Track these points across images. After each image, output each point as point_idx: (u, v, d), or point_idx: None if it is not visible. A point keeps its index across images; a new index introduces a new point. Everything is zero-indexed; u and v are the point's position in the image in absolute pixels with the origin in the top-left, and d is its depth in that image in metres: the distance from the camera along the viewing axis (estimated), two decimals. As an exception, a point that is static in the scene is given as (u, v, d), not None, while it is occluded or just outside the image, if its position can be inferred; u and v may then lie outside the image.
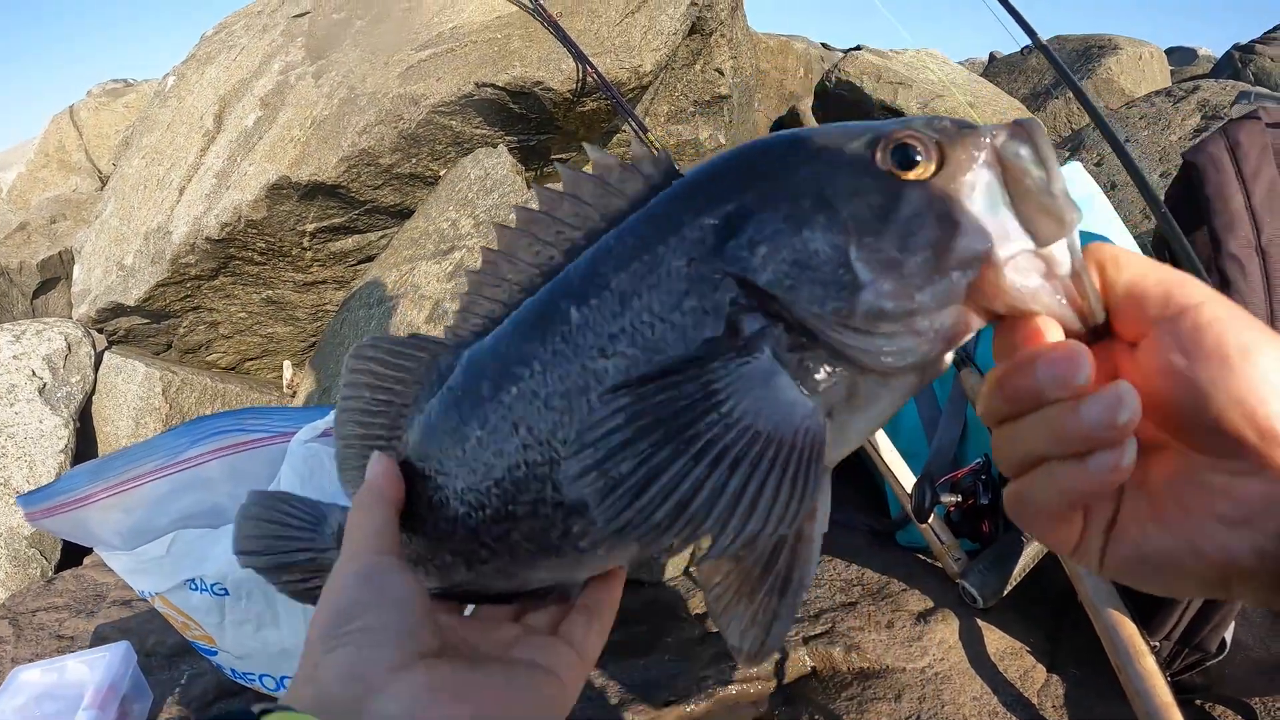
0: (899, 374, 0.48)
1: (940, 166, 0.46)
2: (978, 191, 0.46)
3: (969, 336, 0.48)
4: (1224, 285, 1.33)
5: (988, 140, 0.46)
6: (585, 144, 0.59)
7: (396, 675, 0.49)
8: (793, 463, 0.45)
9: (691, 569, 1.81)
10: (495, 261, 0.59)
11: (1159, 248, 1.45)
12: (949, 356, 0.49)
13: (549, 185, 0.58)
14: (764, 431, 0.45)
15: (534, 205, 0.58)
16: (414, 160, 2.68)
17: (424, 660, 0.51)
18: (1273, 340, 0.43)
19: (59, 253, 4.27)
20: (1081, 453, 0.44)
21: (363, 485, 0.61)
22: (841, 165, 0.48)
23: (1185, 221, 1.39)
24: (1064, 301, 0.46)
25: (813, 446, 0.45)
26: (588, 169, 0.57)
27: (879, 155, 0.47)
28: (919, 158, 0.46)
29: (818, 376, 0.48)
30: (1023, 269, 0.45)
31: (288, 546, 0.70)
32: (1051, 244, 0.45)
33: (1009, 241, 0.45)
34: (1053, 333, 0.45)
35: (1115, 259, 0.47)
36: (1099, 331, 0.47)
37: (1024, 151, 0.45)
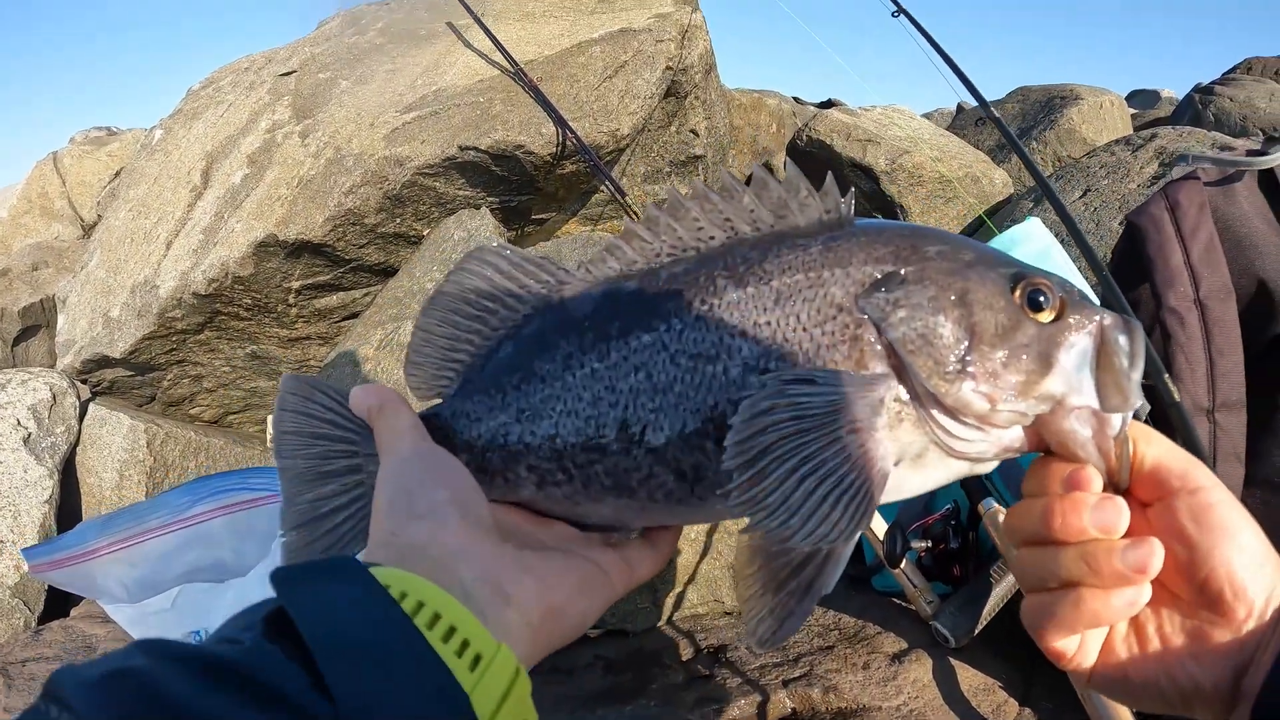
0: (957, 458, 0.58)
1: (1057, 319, 0.57)
2: (1076, 350, 0.57)
3: (1018, 454, 0.59)
4: (1165, 338, 1.42)
5: (1099, 318, 0.58)
6: (788, 160, 0.66)
7: (468, 545, 0.54)
8: (863, 491, 0.54)
9: (680, 618, 1.86)
10: (654, 219, 0.65)
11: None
12: (994, 464, 0.60)
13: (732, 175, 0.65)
14: (855, 458, 0.54)
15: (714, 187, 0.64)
16: (398, 220, 2.75)
17: (489, 535, 0.57)
18: (1251, 522, 0.56)
19: (40, 300, 4.28)
20: (1109, 585, 0.55)
21: (374, 394, 0.65)
22: (987, 283, 0.58)
23: (1130, 277, 1.48)
24: (1101, 459, 0.56)
25: (879, 483, 0.55)
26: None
27: (1017, 291, 0.58)
28: (1044, 304, 0.57)
29: (905, 430, 0.57)
30: (1083, 420, 0.56)
31: (329, 450, 0.70)
32: (1112, 413, 0.56)
33: (1081, 395, 0.56)
34: (1097, 483, 0.56)
35: (1148, 436, 0.59)
36: (1118, 491, 0.58)
37: (1122, 340, 0.57)
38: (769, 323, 0.59)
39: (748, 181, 0.64)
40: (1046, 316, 0.57)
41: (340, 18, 3.76)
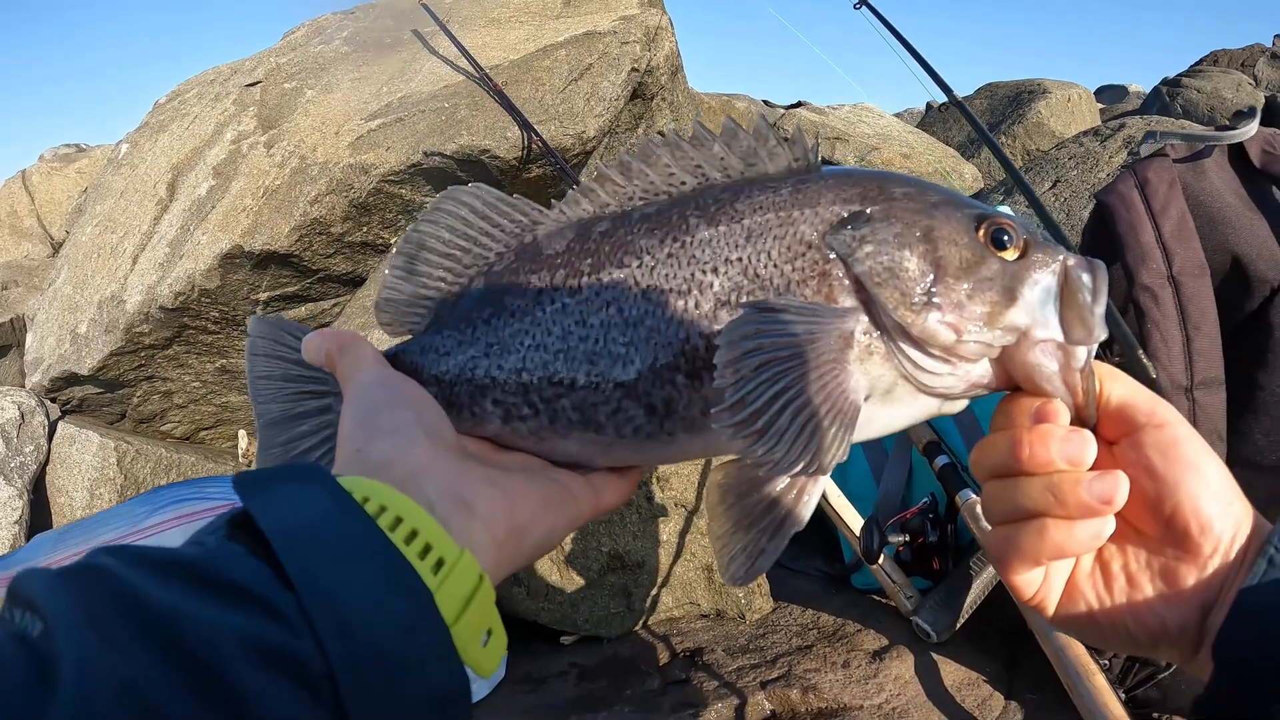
0: (927, 393, 0.59)
1: (1021, 256, 0.59)
2: (1040, 286, 0.58)
3: (985, 391, 0.60)
4: (1139, 316, 1.39)
5: (1062, 257, 0.59)
6: (761, 115, 0.67)
7: (433, 461, 0.55)
8: (838, 422, 0.55)
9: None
10: (626, 164, 0.66)
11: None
12: (962, 404, 0.61)
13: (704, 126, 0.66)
14: (829, 388, 0.55)
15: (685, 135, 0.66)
16: (365, 229, 2.71)
17: (453, 452, 0.57)
18: (1215, 459, 0.56)
19: (10, 319, 4.22)
20: (1074, 516, 0.55)
21: (330, 337, 0.65)
22: (952, 221, 0.60)
23: (1101, 256, 1.46)
24: (1068, 393, 0.57)
25: (852, 416, 0.56)
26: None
27: (981, 230, 0.59)
28: (1007, 242, 0.59)
29: (874, 363, 0.58)
30: (1048, 353, 0.57)
31: (300, 390, 0.72)
32: (1076, 346, 0.57)
33: (1046, 328, 0.57)
34: (1064, 416, 0.57)
35: (1114, 375, 0.59)
36: (1084, 426, 0.58)
37: (1085, 277, 0.58)
38: (740, 259, 0.61)
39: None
40: (1011, 254, 0.59)
41: (306, 28, 3.73)
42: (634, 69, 2.70)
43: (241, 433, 3.30)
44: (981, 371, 0.59)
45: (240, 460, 3.18)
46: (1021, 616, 1.51)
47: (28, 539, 2.72)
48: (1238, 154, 1.52)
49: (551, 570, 1.73)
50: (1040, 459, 0.55)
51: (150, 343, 2.94)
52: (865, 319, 0.58)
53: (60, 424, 3.06)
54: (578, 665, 1.70)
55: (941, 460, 1.74)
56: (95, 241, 3.32)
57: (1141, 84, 9.29)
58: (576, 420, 0.64)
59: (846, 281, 0.59)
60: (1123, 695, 1.40)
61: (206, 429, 3.30)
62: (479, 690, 1.55)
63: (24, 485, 2.87)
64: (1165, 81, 7.18)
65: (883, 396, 0.59)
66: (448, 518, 0.50)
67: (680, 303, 0.61)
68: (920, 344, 0.57)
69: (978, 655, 1.70)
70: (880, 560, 1.70)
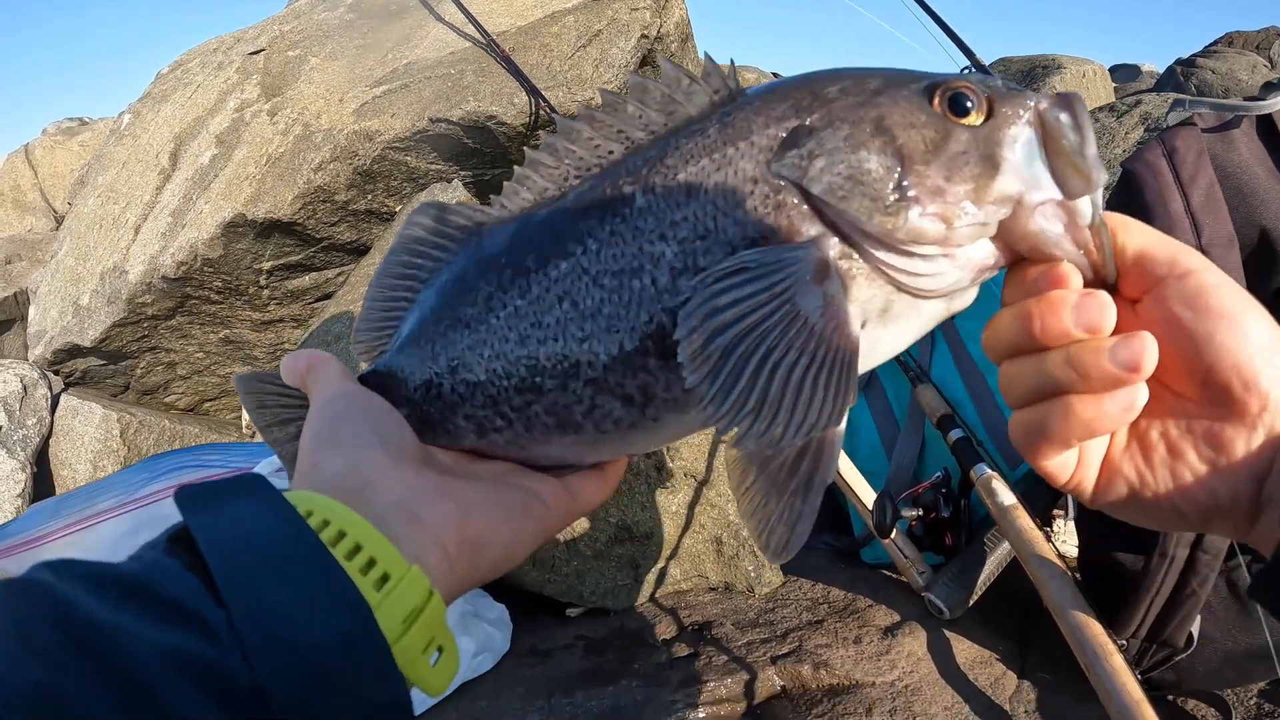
0: (929, 297, 0.53)
1: (988, 118, 0.52)
2: (1019, 144, 0.51)
3: (994, 272, 0.54)
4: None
5: (1033, 103, 0.52)
6: (659, 57, 0.63)
7: (388, 472, 0.53)
8: (838, 366, 0.50)
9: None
10: (553, 145, 0.62)
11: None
12: (972, 293, 0.55)
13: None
14: (819, 332, 0.50)
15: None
16: (369, 196, 2.68)
17: (412, 463, 0.55)
18: (1257, 306, 0.50)
19: (14, 294, 4.21)
20: (1100, 390, 0.49)
21: (302, 357, 0.64)
22: (901, 101, 0.53)
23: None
24: (1081, 253, 0.51)
25: (852, 352, 0.50)
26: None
27: (936, 99, 0.53)
28: (970, 105, 0.52)
29: (859, 288, 0.53)
30: (1049, 215, 0.51)
31: (295, 429, 0.71)
32: (1078, 199, 0.51)
33: (1040, 189, 0.51)
34: (1075, 279, 0.51)
35: (1127, 225, 0.53)
36: (1105, 286, 0.52)
37: (1064, 117, 0.51)
38: (685, 218, 0.55)
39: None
40: (976, 119, 0.52)
41: (310, -5, 3.67)
42: (644, 35, 2.65)
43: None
44: (984, 253, 0.53)
45: (244, 431, 3.16)
46: (1035, 593, 1.48)
47: (31, 505, 2.70)
48: (1265, 127, 1.47)
49: (558, 541, 1.71)
50: (1054, 330, 0.50)
51: (153, 313, 2.91)
52: (835, 241, 0.53)
53: (63, 396, 3.04)
54: (584, 638, 1.68)
55: (956, 434, 1.71)
56: (97, 212, 3.29)
57: (1154, 64, 9.20)
58: (553, 424, 0.60)
59: (805, 208, 0.53)
60: (1139, 676, 1.37)
61: (210, 400, 3.28)
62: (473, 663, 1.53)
63: (27, 458, 2.85)
64: (1180, 61, 7.11)
65: (879, 318, 0.54)
66: (397, 532, 0.49)
67: (634, 282, 0.56)
68: (908, 248, 0.51)
69: (990, 633, 1.67)
70: (892, 535, 1.68)
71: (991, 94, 0.52)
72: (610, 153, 0.60)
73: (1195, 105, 1.44)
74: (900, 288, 0.53)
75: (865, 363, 0.54)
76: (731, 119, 0.57)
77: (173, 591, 0.41)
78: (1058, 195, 0.51)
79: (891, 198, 0.51)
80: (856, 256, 0.52)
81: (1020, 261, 0.53)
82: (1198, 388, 0.50)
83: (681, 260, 0.55)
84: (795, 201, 0.53)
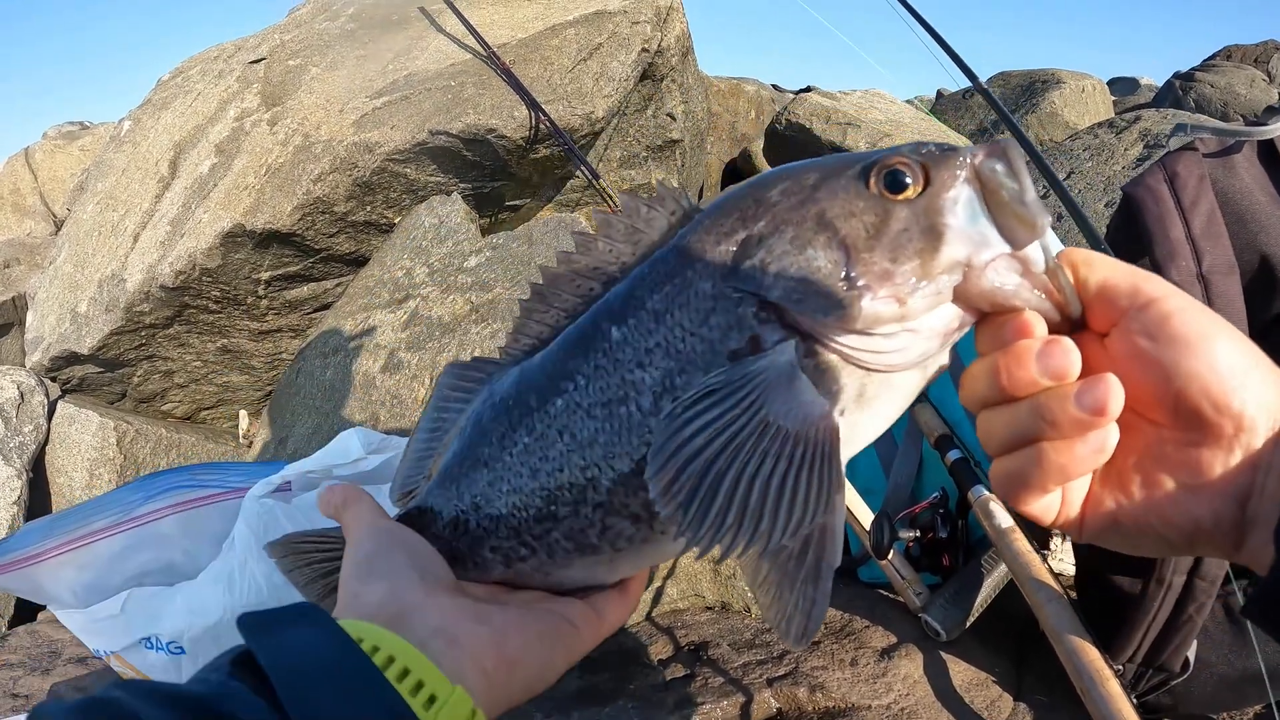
0: (901, 370, 0.54)
1: (926, 186, 0.52)
2: (959, 205, 0.52)
3: (962, 332, 0.54)
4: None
5: (967, 160, 0.52)
6: (620, 193, 0.65)
7: (426, 600, 0.57)
8: (819, 460, 0.50)
9: (655, 614, 1.80)
10: (541, 293, 0.67)
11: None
12: (944, 356, 0.55)
13: (582, 231, 0.66)
14: (794, 434, 0.51)
15: (571, 249, 0.66)
16: (369, 208, 2.68)
17: (448, 591, 0.59)
18: (1226, 327, 0.49)
19: (13, 298, 4.20)
20: (1070, 435, 0.50)
21: (338, 492, 0.69)
22: (839, 192, 0.54)
23: (1127, 253, 1.41)
24: (1043, 297, 0.51)
25: (833, 443, 0.51)
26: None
27: (872, 181, 0.53)
28: (908, 180, 0.53)
29: (830, 379, 0.54)
30: (1002, 270, 0.51)
31: (331, 573, 0.76)
32: (1026, 246, 0.51)
33: (988, 247, 0.51)
34: (1039, 328, 0.51)
35: (1088, 260, 0.53)
36: (1074, 324, 0.53)
37: (999, 167, 0.51)
38: (658, 344, 0.58)
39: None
40: (914, 191, 0.53)
41: (311, 4, 3.68)
42: (644, 49, 2.66)
43: (242, 413, 3.28)
44: (947, 318, 0.53)
45: (241, 440, 3.15)
46: (1032, 616, 1.48)
47: (26, 520, 2.69)
48: (1267, 152, 1.47)
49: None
50: (1022, 381, 0.50)
51: (151, 322, 2.91)
52: (797, 343, 0.54)
53: (60, 403, 3.04)
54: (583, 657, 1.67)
55: (954, 455, 1.70)
56: (96, 219, 3.29)
57: (1153, 77, 9.23)
58: (572, 548, 0.63)
59: (765, 314, 0.54)
60: (1135, 700, 1.37)
61: (207, 409, 3.28)
62: None
63: (23, 465, 2.84)
64: (1178, 75, 7.13)
65: (856, 403, 0.55)
66: (439, 655, 0.52)
67: (622, 410, 0.59)
68: (868, 333, 0.52)
69: (987, 654, 1.66)
70: (890, 555, 1.67)
71: (924, 161, 0.53)
72: (592, 289, 0.64)
73: (1197, 130, 1.44)
74: (870, 369, 0.53)
75: (850, 448, 0.55)
76: (686, 241, 0.59)
77: (241, 712, 0.43)
78: (1006, 249, 0.51)
79: (843, 290, 0.52)
80: (822, 350, 0.53)
81: (988, 315, 0.54)
82: (1170, 415, 0.50)
83: (660, 384, 0.57)
84: (754, 311, 0.55)
